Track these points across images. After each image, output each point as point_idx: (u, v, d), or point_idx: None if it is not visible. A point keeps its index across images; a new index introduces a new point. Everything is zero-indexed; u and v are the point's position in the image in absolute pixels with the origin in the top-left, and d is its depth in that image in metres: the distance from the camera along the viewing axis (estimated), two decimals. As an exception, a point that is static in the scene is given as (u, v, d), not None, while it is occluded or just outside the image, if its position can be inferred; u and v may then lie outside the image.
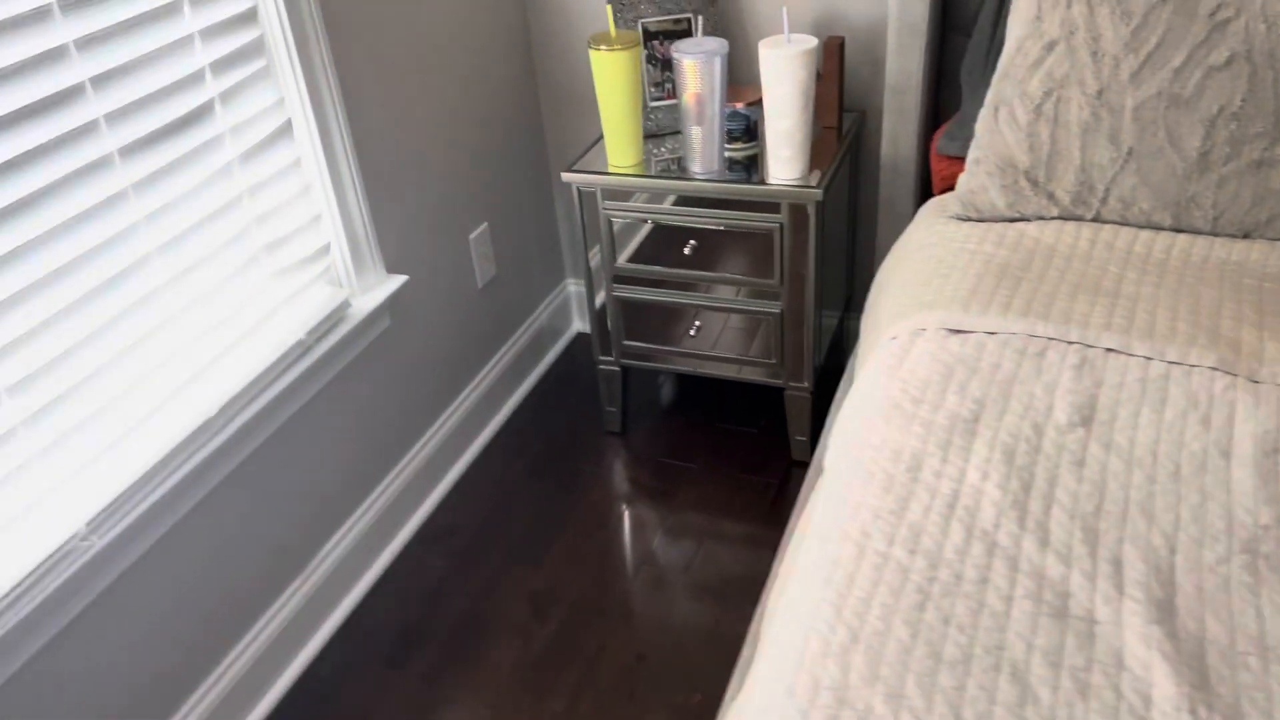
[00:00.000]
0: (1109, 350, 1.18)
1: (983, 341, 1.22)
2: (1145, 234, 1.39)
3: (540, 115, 2.28)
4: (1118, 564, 0.91)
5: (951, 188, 1.63)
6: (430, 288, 1.96)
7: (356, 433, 1.80)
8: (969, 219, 1.50)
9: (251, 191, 1.51)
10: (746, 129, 1.87)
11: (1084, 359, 1.17)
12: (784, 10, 1.64)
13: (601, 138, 1.98)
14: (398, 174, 1.82)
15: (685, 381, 2.32)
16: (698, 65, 1.70)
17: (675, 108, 1.97)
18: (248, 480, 1.56)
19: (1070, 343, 1.20)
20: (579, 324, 2.55)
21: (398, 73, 1.79)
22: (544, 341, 2.41)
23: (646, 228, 1.89)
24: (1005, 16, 1.62)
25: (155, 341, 1.38)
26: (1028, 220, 1.46)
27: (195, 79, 1.39)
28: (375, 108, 1.74)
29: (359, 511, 1.84)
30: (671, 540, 1.91)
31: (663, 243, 1.90)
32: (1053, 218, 1.44)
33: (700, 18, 1.74)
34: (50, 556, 1.23)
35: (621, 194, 1.87)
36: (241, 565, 1.57)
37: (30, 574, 1.20)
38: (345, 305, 1.68)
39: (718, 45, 1.72)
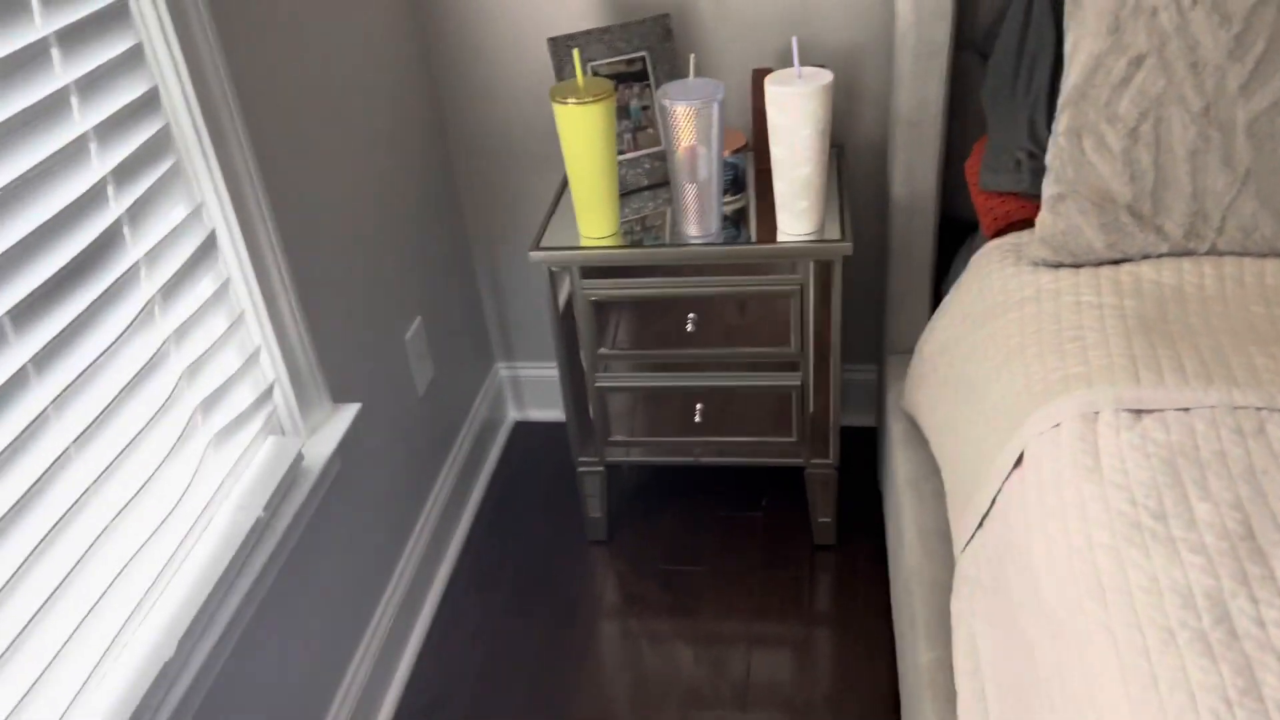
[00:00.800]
0: (1331, 414, 1.00)
1: (1187, 423, 1.01)
2: (1271, 264, 1.23)
3: (456, 186, 1.94)
4: None
5: (1010, 227, 1.43)
6: (373, 408, 1.59)
7: (319, 614, 1.41)
8: (1061, 264, 1.29)
9: (178, 337, 1.11)
10: (734, 180, 1.61)
11: (1312, 430, 0.98)
12: (794, 40, 1.40)
13: (557, 205, 1.67)
14: (328, 279, 1.45)
15: (661, 466, 2.03)
16: (694, 113, 1.43)
17: (637, 162, 1.68)
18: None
19: (1282, 410, 1.01)
20: (514, 412, 2.21)
21: (318, 156, 1.42)
22: (485, 441, 2.06)
23: (632, 304, 1.60)
24: (1032, 29, 1.44)
25: (85, 573, 0.97)
26: (1132, 260, 1.27)
27: (96, 196, 0.99)
28: (298, 202, 1.36)
29: (335, 706, 1.44)
30: (711, 663, 1.61)
31: (653, 318, 1.61)
32: (1161, 255, 1.26)
33: (693, 56, 1.47)
34: None
35: (602, 269, 1.57)
36: (217, 834, 1.17)
37: None
38: (299, 459, 1.29)
39: (713, 88, 1.45)
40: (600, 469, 1.77)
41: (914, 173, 1.56)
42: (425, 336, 1.78)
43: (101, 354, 0.98)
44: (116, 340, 1.00)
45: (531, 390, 2.17)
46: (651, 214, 1.63)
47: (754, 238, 1.52)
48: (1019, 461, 1.11)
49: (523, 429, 2.18)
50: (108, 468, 0.99)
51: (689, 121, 1.44)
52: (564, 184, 1.72)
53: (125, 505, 1.01)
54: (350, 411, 1.42)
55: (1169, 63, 1.22)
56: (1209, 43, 1.20)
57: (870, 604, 1.68)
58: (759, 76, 1.63)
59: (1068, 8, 1.30)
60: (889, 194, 1.61)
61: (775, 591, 1.73)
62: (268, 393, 1.27)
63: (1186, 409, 1.03)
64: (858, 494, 1.90)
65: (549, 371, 2.14)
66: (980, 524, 1.18)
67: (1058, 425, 1.07)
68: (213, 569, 1.11)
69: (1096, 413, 1.05)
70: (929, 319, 1.69)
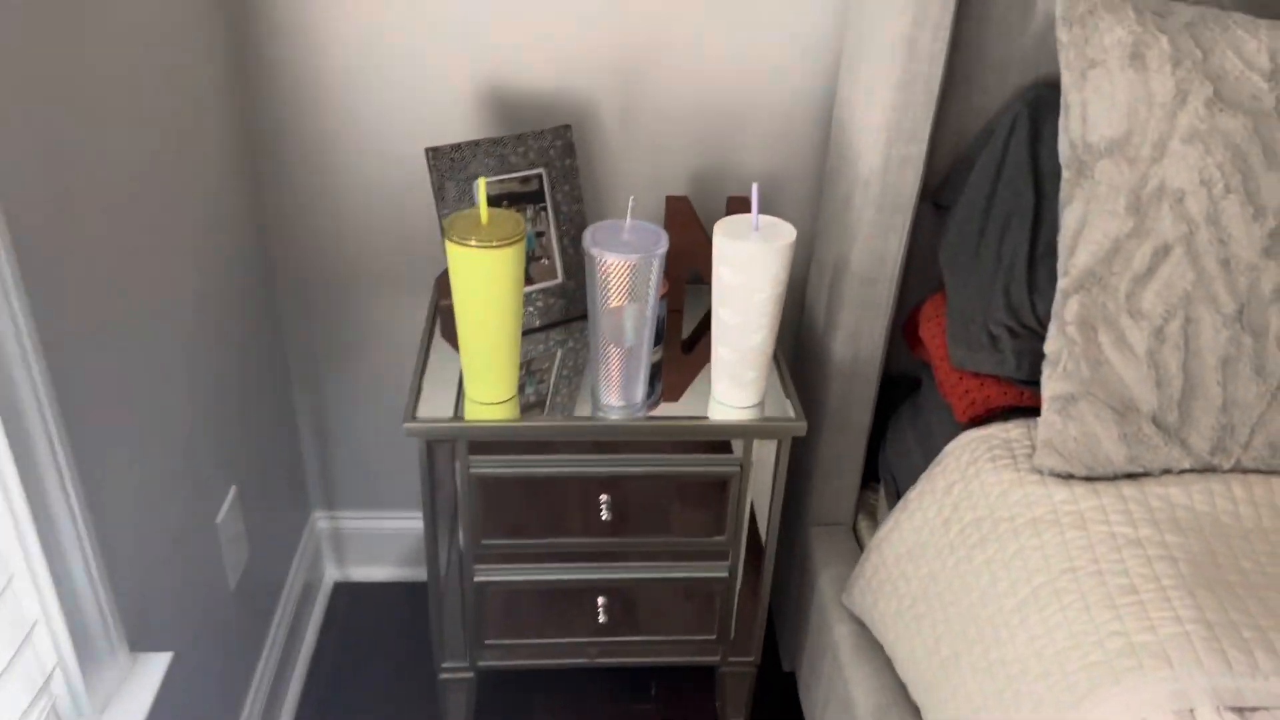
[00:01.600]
0: None
1: (1311, 729, 0.83)
2: (1297, 484, 1.10)
3: (278, 315, 1.54)
4: None
5: (987, 414, 1.24)
6: (184, 641, 1.17)
7: None
8: (1073, 476, 1.11)
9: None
10: (657, 331, 1.34)
11: None
12: (755, 187, 1.14)
13: (427, 356, 1.33)
14: (124, 477, 1.03)
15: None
16: (630, 266, 1.15)
17: (529, 299, 1.37)
18: None
19: (1401, 705, 0.85)
20: (333, 571, 1.81)
21: (112, 296, 1.01)
22: (301, 617, 1.65)
23: (530, 484, 1.28)
24: (1004, 184, 1.27)
25: None
26: (1151, 475, 1.11)
27: None
28: (85, 373, 0.95)
29: None
30: None
31: (555, 501, 1.30)
32: (1183, 470, 1.11)
33: (632, 199, 1.18)
34: None
35: (493, 444, 1.25)
36: None
37: None
38: (89, 766, 0.88)
39: (653, 236, 1.17)
40: (470, 675, 1.42)
41: (860, 334, 1.35)
42: (240, 510, 1.37)
43: None
44: None
45: (354, 544, 1.78)
46: (540, 357, 1.33)
47: (674, 408, 1.25)
48: (1079, 751, 0.90)
49: (344, 592, 1.78)
50: None
51: (622, 276, 1.16)
52: (433, 324, 1.38)
53: None
54: (158, 665, 1.01)
55: (1198, 256, 1.07)
56: (1242, 237, 1.06)
57: (794, 826, 1.44)
58: (674, 205, 1.37)
59: (1069, 174, 1.13)
60: (826, 353, 1.39)
61: (681, 815, 1.45)
62: (45, 685, 0.85)
63: (1295, 705, 0.85)
64: (756, 674, 1.66)
65: (374, 521, 1.76)
66: (1014, 812, 0.96)
67: (1142, 720, 0.87)
68: None
69: (1191, 710, 0.86)
70: (859, 488, 1.49)
